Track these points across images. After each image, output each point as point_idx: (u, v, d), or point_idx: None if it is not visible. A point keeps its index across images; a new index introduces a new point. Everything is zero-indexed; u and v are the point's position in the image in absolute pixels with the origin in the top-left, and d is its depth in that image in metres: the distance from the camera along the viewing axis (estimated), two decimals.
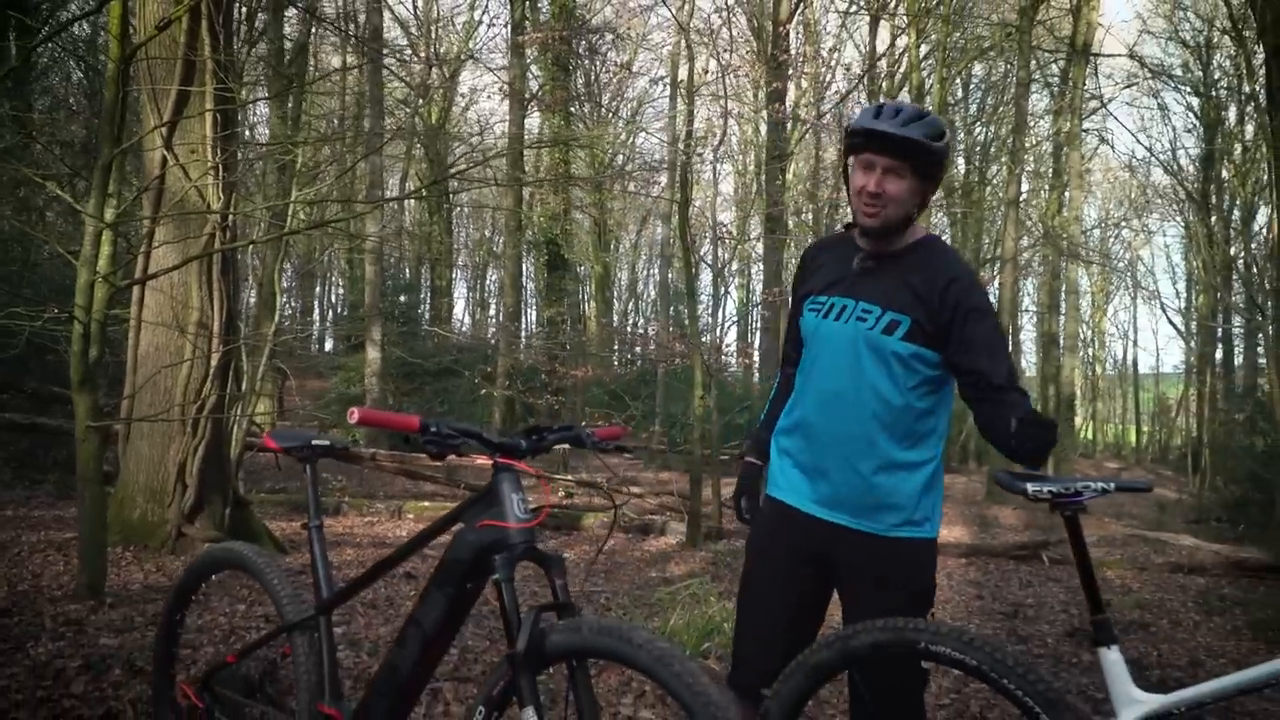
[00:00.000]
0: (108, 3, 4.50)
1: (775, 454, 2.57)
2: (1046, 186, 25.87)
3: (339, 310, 32.83)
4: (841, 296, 2.43)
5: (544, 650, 1.94)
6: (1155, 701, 1.83)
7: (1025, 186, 29.39)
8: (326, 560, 2.50)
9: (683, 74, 15.63)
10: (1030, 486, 1.97)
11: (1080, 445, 35.10)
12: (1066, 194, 17.19)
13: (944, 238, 33.41)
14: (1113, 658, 1.89)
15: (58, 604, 4.91)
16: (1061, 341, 17.99)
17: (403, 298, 26.52)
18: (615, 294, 34.48)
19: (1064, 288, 17.75)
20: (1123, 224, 33.46)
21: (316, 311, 32.88)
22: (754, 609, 2.51)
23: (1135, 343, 43.34)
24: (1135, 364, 43.24)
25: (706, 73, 11.83)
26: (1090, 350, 40.96)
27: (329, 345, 30.44)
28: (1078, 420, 38.49)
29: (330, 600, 2.43)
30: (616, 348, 22.89)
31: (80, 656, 3.98)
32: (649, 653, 1.81)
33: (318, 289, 32.63)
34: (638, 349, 22.32)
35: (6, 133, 10.94)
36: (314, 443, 2.54)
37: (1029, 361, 39.28)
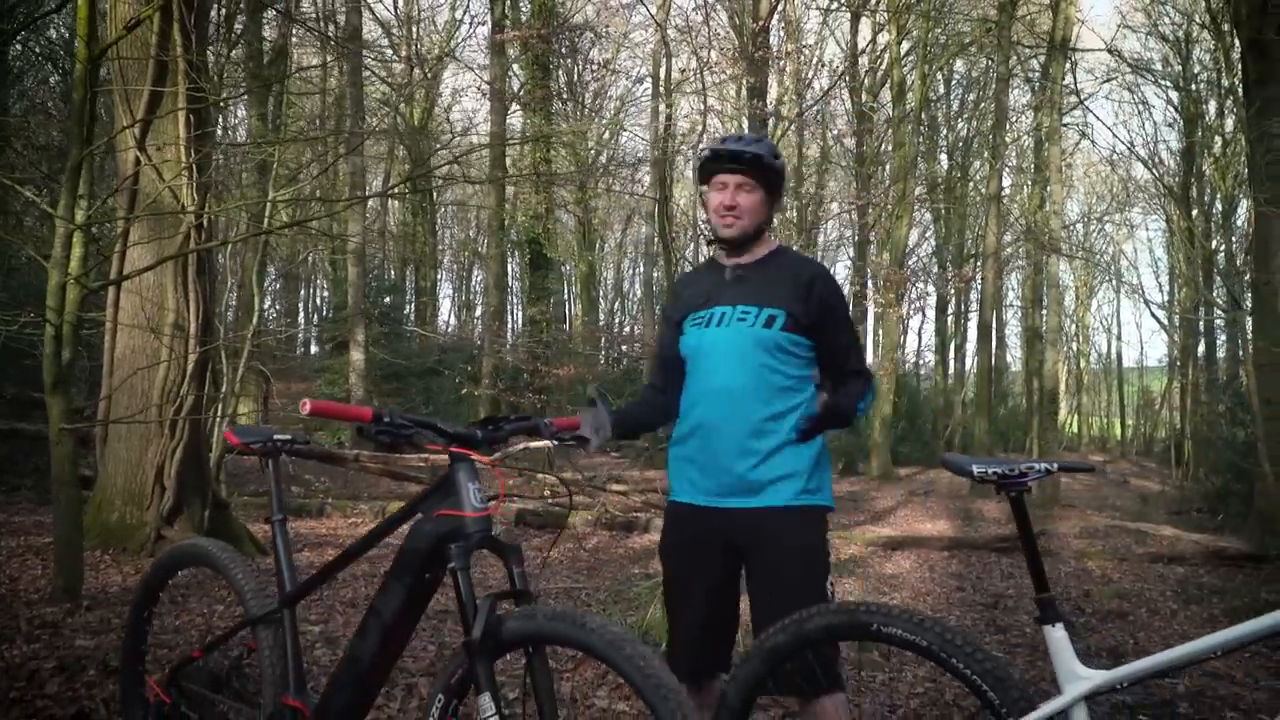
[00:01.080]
0: (70, 2, 4.48)
1: (671, 465, 2.76)
2: (1029, 182, 25.98)
3: (324, 313, 32.72)
4: (719, 306, 2.69)
5: (500, 637, 1.96)
6: (1098, 677, 1.85)
7: (1008, 182, 29.62)
8: (290, 555, 2.51)
9: (664, 72, 15.65)
10: (976, 468, 1.99)
11: (1065, 439, 35.28)
12: (1048, 189, 17.25)
13: (928, 234, 33.61)
14: (1057, 635, 1.92)
15: (34, 607, 4.90)
16: (1045, 336, 18.07)
17: (387, 299, 26.47)
18: (601, 293, 34.49)
19: (1045, 282, 17.83)
20: (1105, 219, 33.60)
21: (301, 314, 32.76)
22: (676, 606, 2.73)
23: (1119, 337, 43.42)
24: (1119, 358, 43.47)
25: (686, 71, 11.83)
26: (1074, 344, 41.18)
27: (314, 348, 30.34)
28: (1062, 414, 38.75)
29: (294, 594, 2.43)
30: (603, 346, 22.87)
31: (55, 658, 3.98)
32: (602, 638, 1.83)
33: (302, 291, 32.52)
34: (623, 347, 22.33)
35: None
36: (275, 438, 2.56)
37: (1014, 356, 39.54)
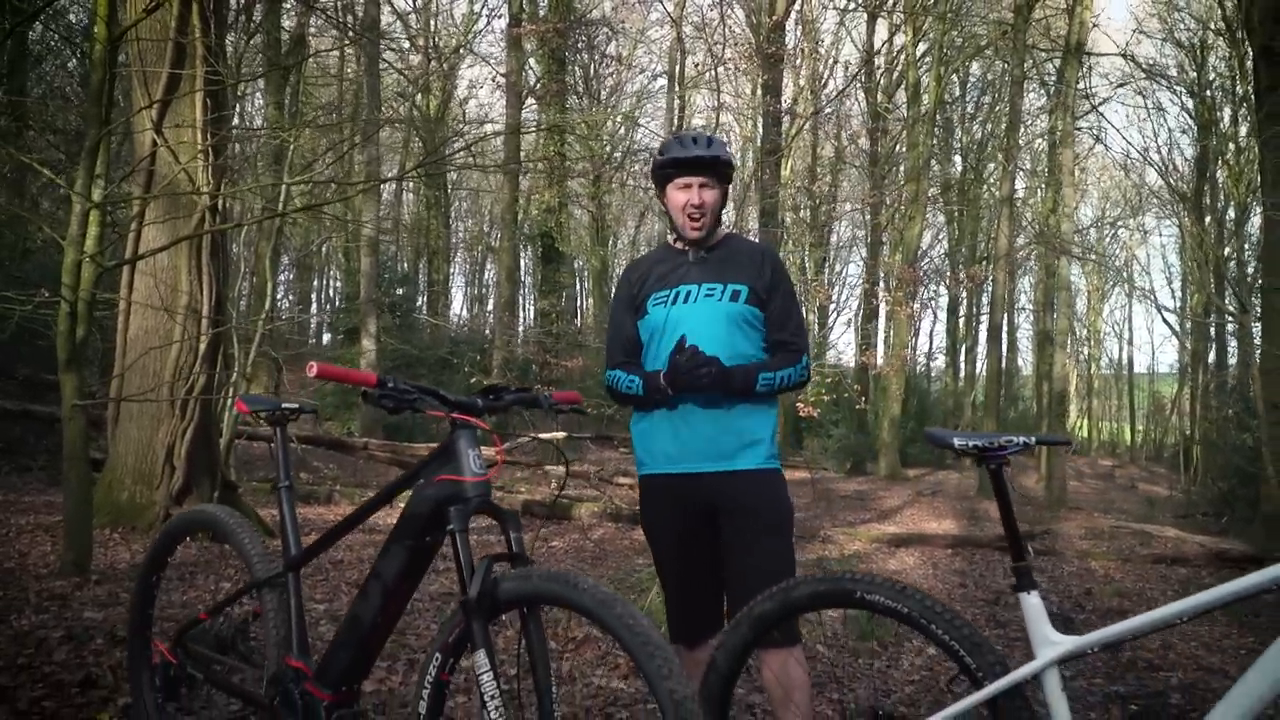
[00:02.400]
0: None
1: (639, 438, 2.89)
2: (1043, 185, 25.94)
3: (336, 302, 32.87)
4: (685, 284, 2.85)
5: (496, 597, 2.01)
6: (1070, 642, 1.91)
7: (1021, 185, 29.57)
8: (295, 520, 2.57)
9: (678, 68, 15.69)
10: (957, 440, 2.05)
11: (1074, 442, 35.19)
12: (1060, 193, 17.23)
13: (940, 236, 33.56)
14: (1032, 603, 1.96)
15: (43, 580, 4.98)
16: (1054, 339, 18.06)
17: (400, 290, 26.57)
18: (614, 289, 34.49)
19: (1055, 285, 17.80)
20: (1119, 223, 33.50)
21: (314, 303, 32.90)
22: (666, 574, 2.87)
23: (1130, 341, 43.24)
24: (1130, 362, 43.32)
25: (700, 67, 11.87)
26: (1086, 349, 41.09)
27: (326, 337, 30.46)
28: (1072, 418, 38.65)
29: (297, 558, 2.49)
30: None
31: (63, 628, 4.05)
32: (592, 597, 1.89)
33: (315, 281, 32.67)
34: None
35: (1, 119, 11.02)
36: (283, 407, 2.62)
37: (1025, 359, 39.47)
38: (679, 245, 2.94)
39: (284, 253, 26.67)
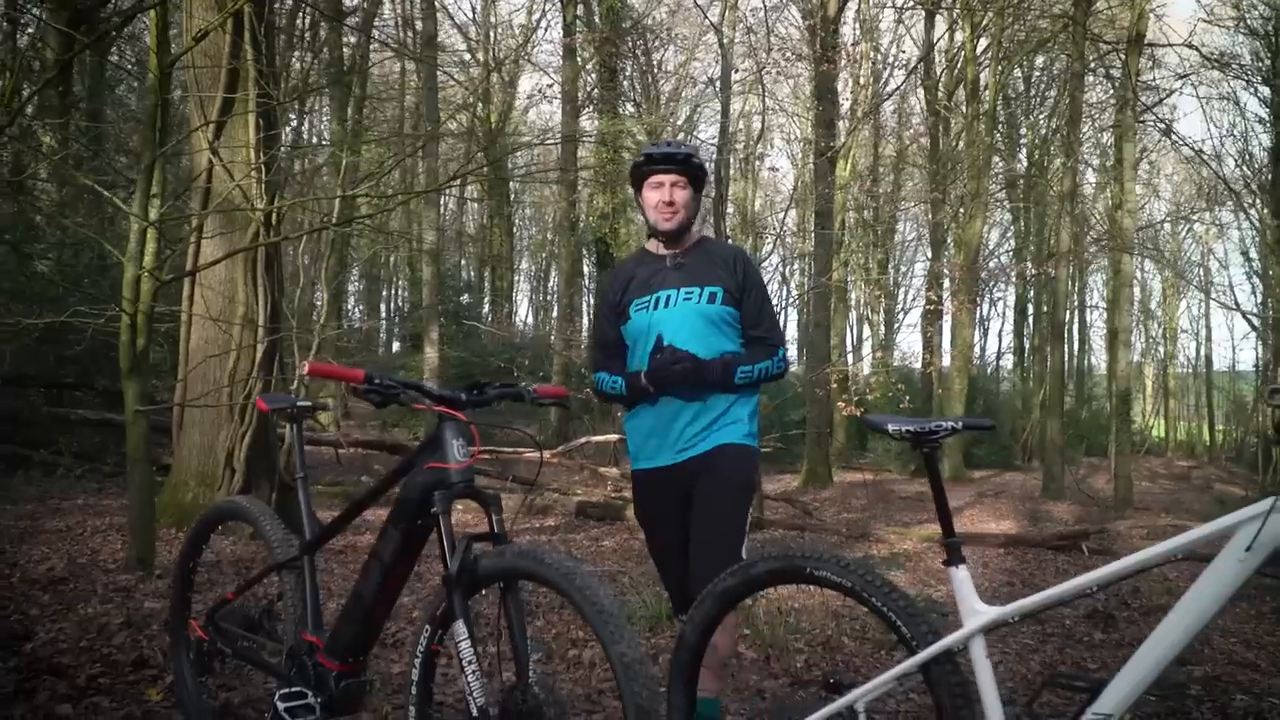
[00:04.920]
0: (135, 15, 4.88)
1: (631, 436, 3.12)
2: (1111, 180, 25.44)
3: (405, 312, 33.61)
4: (663, 290, 3.06)
5: (476, 573, 2.22)
6: (993, 612, 2.04)
7: (1092, 180, 29.01)
8: (311, 508, 2.81)
9: (717, 72, 15.81)
10: (891, 426, 2.19)
11: (1148, 442, 34.40)
12: (1123, 186, 16.96)
13: (1008, 234, 33.06)
14: (960, 576, 2.10)
15: (110, 574, 5.32)
16: (1118, 335, 17.78)
17: (465, 298, 27.10)
18: None
19: (1119, 282, 17.51)
20: (1193, 218, 32.63)
21: (384, 313, 33.65)
22: (660, 562, 3.14)
23: (1209, 339, 41.90)
24: (1209, 361, 42.07)
25: (746, 72, 12.00)
26: (1162, 347, 40.10)
27: (395, 346, 31.18)
28: (1144, 417, 37.72)
29: (312, 542, 2.73)
30: None
31: (123, 615, 4.36)
32: (556, 570, 2.08)
33: (384, 291, 33.44)
34: None
35: (80, 143, 11.61)
36: (299, 404, 2.86)
37: (1098, 359, 38.65)
38: (657, 250, 3.17)
39: (353, 265, 27.45)
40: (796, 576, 2.23)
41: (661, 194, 3.04)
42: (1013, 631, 6.54)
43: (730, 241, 15.39)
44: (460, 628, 2.16)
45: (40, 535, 6.60)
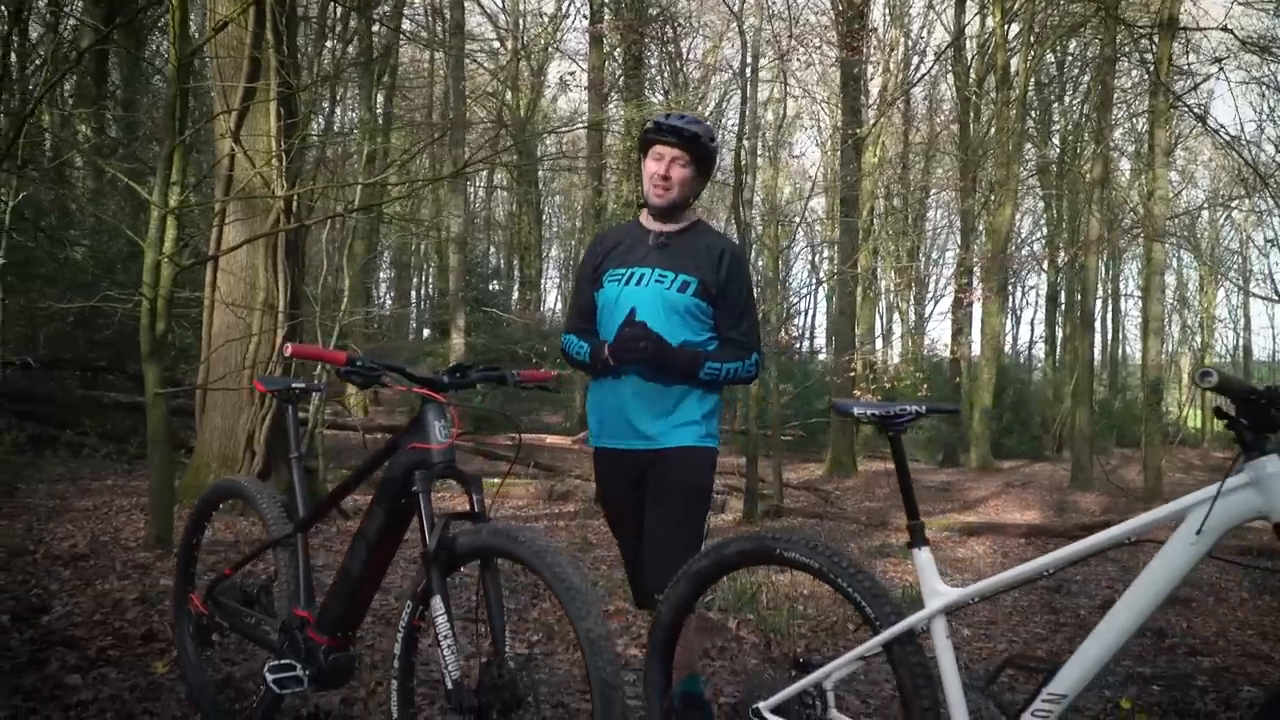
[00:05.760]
0: (149, 6, 4.96)
1: (590, 410, 3.09)
2: (1145, 167, 25.11)
3: (435, 299, 33.87)
4: (639, 267, 2.98)
5: (454, 551, 2.28)
6: (954, 593, 2.07)
7: (1126, 167, 28.60)
8: (305, 488, 2.89)
9: (757, 61, 15.78)
10: (858, 410, 2.22)
11: (1184, 433, 33.94)
12: (1155, 174, 16.73)
13: (1041, 222, 32.70)
14: (923, 558, 2.13)
15: (130, 552, 5.46)
16: (1149, 325, 17.58)
17: (493, 285, 27.21)
18: None
19: (1150, 270, 17.30)
20: (1231, 205, 32.09)
21: (414, 301, 33.90)
22: (622, 542, 3.11)
23: (1247, 328, 41.12)
24: (1247, 350, 41.39)
25: (768, 59, 11.98)
26: (1199, 337, 39.52)
27: (426, 333, 31.42)
28: (1180, 407, 37.21)
29: (305, 520, 2.81)
30: None
31: (138, 591, 4.48)
32: (528, 549, 2.15)
33: (414, 279, 33.66)
34: None
35: (106, 134, 11.82)
36: (293, 385, 2.94)
37: (1133, 348, 38.12)
38: (647, 223, 3.07)
39: (383, 252, 27.68)
40: (767, 557, 2.27)
41: (659, 166, 2.92)
42: (1024, 620, 6.56)
43: (755, 229, 15.38)
44: (437, 603, 2.23)
45: (67, 513, 6.77)
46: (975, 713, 2.13)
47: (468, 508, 2.37)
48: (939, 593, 2.07)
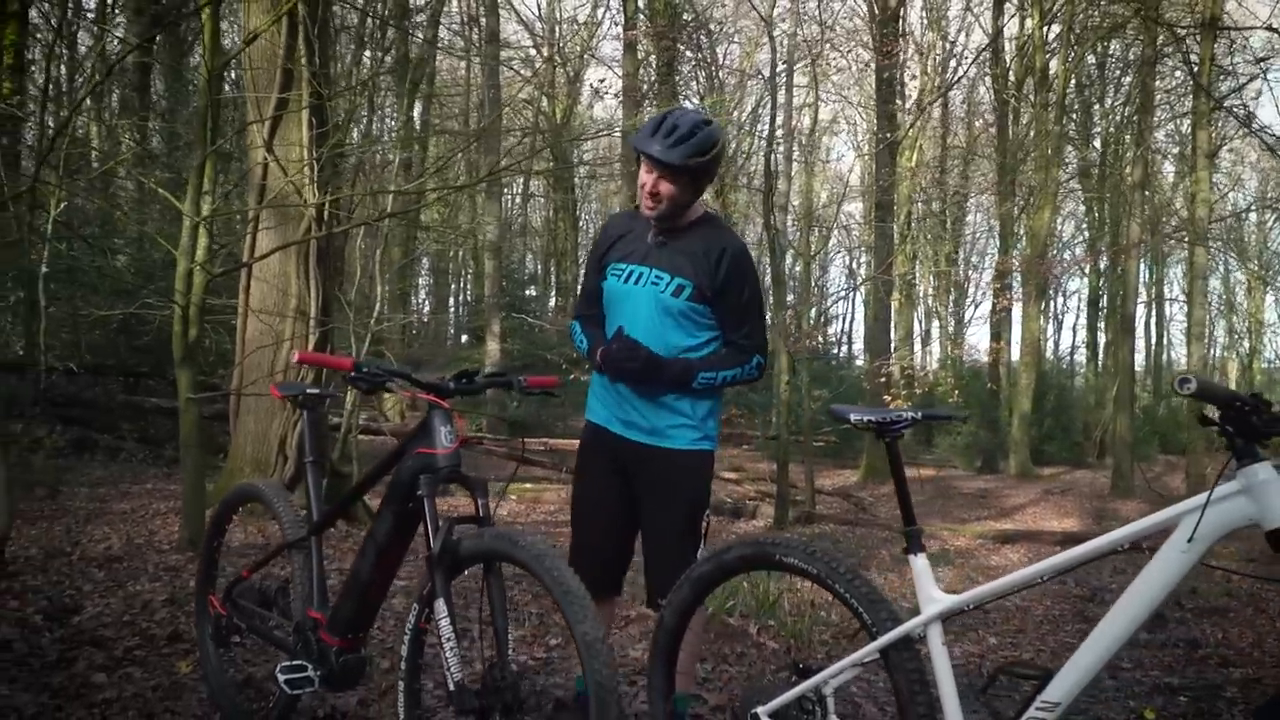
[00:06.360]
0: (185, 17, 5.07)
1: (593, 386, 3.04)
2: (1187, 169, 24.73)
3: (471, 305, 34.12)
4: (639, 265, 2.93)
5: (458, 554, 2.32)
6: (950, 600, 2.07)
7: (1171, 168, 28.14)
8: (320, 492, 2.94)
9: (792, 67, 15.75)
10: (854, 416, 2.23)
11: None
12: (1197, 176, 16.48)
13: (1082, 226, 32.27)
14: (919, 565, 2.13)
15: (162, 554, 5.57)
16: (1192, 329, 17.31)
17: (530, 291, 27.36)
18: None
19: (1193, 274, 17.04)
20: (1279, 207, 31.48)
21: (452, 308, 34.17)
22: (579, 521, 3.05)
23: None
24: None
25: (805, 62, 11.95)
26: (1247, 341, 38.80)
27: (464, 339, 31.67)
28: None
29: (319, 523, 2.86)
30: None
31: (167, 593, 4.57)
32: (528, 552, 2.18)
33: (452, 285, 33.94)
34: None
35: (138, 145, 12.05)
36: (308, 391, 3.00)
37: (1178, 353, 37.49)
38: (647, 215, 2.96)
39: (420, 259, 27.93)
40: (767, 563, 2.29)
41: (648, 180, 2.82)
42: (1054, 629, 6.49)
43: (789, 234, 15.34)
44: (441, 606, 2.26)
45: (105, 516, 6.92)
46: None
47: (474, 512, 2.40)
48: (935, 599, 2.08)
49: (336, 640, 2.64)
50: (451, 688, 2.22)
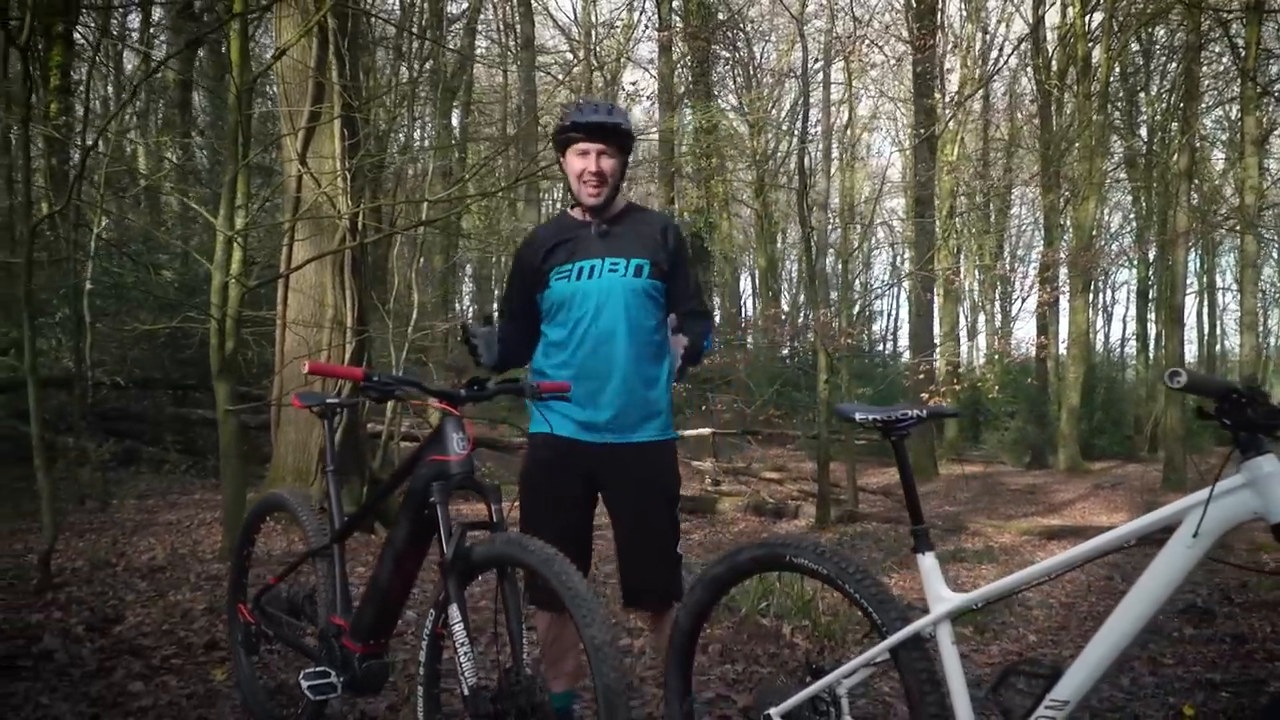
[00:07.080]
0: (209, 34, 5.16)
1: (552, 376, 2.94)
2: (1236, 156, 24.21)
3: None
4: (587, 259, 2.89)
5: (470, 560, 2.34)
6: (959, 598, 2.05)
7: (1220, 157, 27.56)
8: (340, 500, 2.98)
9: (829, 64, 15.66)
10: (859, 414, 2.21)
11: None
12: (1245, 163, 16.15)
13: (1130, 217, 31.66)
14: (928, 563, 2.11)
15: (205, 564, 5.68)
16: (1241, 320, 16.96)
17: None
18: (787, 285, 34.52)
19: (1244, 263, 16.69)
20: None
21: (496, 313, 34.29)
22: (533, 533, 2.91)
23: None
24: None
25: (834, 59, 11.90)
26: None
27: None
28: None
29: (341, 531, 2.90)
30: (766, 339, 22.89)
31: (207, 602, 4.66)
32: (537, 557, 2.19)
33: (495, 292, 34.11)
34: (795, 339, 22.25)
35: (173, 161, 12.27)
36: (329, 401, 3.04)
37: (1232, 343, 36.65)
38: (580, 216, 2.97)
39: (464, 266, 28.12)
40: (778, 564, 2.28)
41: (588, 163, 2.82)
42: (1096, 626, 6.38)
43: (820, 232, 15.18)
44: (454, 611, 2.29)
45: (152, 527, 7.06)
46: (981, 718, 2.11)
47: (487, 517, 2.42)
48: (944, 598, 2.06)
49: (359, 646, 2.68)
50: (465, 692, 2.24)
